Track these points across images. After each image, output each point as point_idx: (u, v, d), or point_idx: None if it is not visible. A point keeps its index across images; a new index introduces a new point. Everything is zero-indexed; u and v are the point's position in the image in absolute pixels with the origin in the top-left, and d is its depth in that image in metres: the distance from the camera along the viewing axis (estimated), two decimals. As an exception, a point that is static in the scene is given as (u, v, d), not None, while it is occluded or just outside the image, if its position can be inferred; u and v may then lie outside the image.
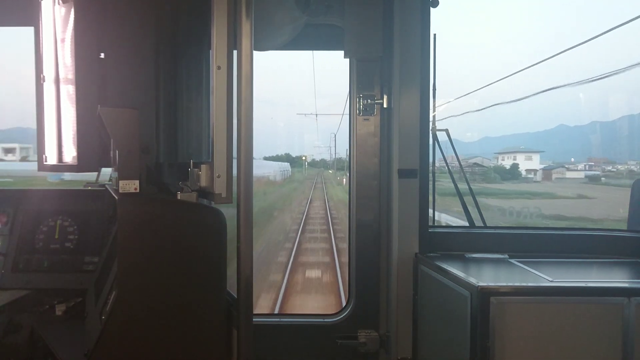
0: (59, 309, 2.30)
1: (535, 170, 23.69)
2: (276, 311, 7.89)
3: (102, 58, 2.02)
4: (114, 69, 2.02)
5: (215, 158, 1.81)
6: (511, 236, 2.97)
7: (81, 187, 2.73)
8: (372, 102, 3.07)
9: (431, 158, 2.99)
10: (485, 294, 2.05)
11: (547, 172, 23.48)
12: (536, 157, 24.20)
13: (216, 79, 1.80)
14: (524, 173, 24.00)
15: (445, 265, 2.47)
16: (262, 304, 8.32)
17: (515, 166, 24.03)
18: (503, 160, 25.22)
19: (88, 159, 2.03)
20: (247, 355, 1.83)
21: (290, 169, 49.90)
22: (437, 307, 2.56)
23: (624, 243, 2.86)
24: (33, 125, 2.25)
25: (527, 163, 24.04)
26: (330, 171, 59.99)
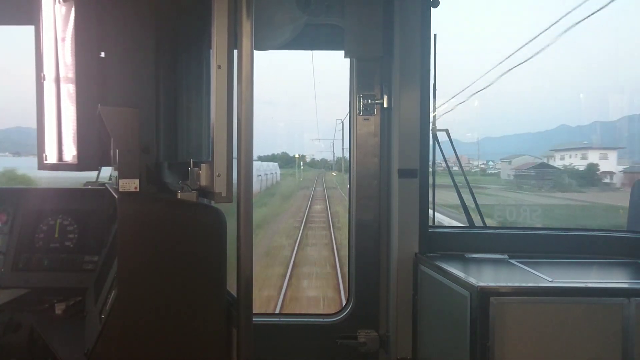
0: (59, 308, 2.30)
1: (611, 173, 16.88)
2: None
3: (102, 57, 2.02)
4: (115, 68, 2.02)
5: (216, 157, 1.81)
6: (511, 236, 2.97)
7: (81, 186, 2.73)
8: (372, 102, 3.07)
9: (431, 158, 2.99)
10: (485, 294, 2.05)
11: (633, 177, 15.90)
12: (613, 156, 17.26)
13: (216, 79, 1.79)
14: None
15: (445, 265, 2.47)
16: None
17: (593, 168, 17.51)
18: (562, 159, 18.95)
19: (88, 158, 2.03)
20: (247, 355, 1.83)
21: (278, 171, 35.69)
22: (437, 307, 2.56)
23: (624, 243, 2.86)
24: (33, 125, 2.25)
25: (602, 164, 17.55)
26: (333, 173, 48.02)
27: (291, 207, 23.82)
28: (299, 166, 48.94)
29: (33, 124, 2.24)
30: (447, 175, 3.29)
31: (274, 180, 33.03)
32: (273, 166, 33.99)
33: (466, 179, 3.34)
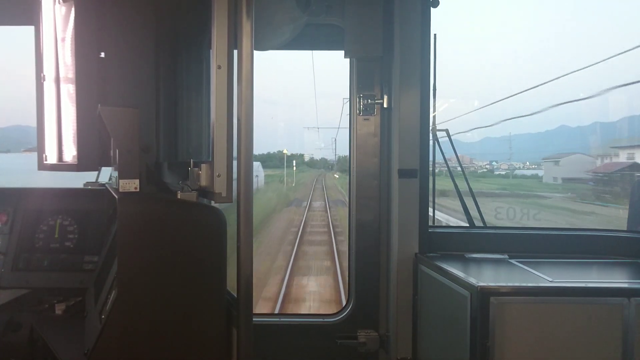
0: (59, 308, 2.29)
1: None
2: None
3: (102, 57, 2.02)
4: (114, 68, 2.02)
5: (216, 157, 1.81)
6: (511, 236, 2.97)
7: (81, 187, 2.73)
8: (372, 102, 3.07)
9: (431, 158, 3.00)
10: (485, 294, 2.05)
11: None
12: None
13: (216, 79, 1.79)
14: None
15: (445, 266, 2.47)
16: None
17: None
18: (632, 158, 13.78)
19: (88, 158, 2.03)
20: (247, 355, 1.83)
21: (261, 174, 27.84)
22: (437, 307, 2.56)
23: (624, 243, 2.86)
24: (32, 123, 2.25)
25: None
26: (336, 175, 38.97)
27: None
28: (292, 166, 39.17)
29: (32, 122, 2.24)
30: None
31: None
32: (254, 167, 26.78)
33: (466, 180, 3.34)
